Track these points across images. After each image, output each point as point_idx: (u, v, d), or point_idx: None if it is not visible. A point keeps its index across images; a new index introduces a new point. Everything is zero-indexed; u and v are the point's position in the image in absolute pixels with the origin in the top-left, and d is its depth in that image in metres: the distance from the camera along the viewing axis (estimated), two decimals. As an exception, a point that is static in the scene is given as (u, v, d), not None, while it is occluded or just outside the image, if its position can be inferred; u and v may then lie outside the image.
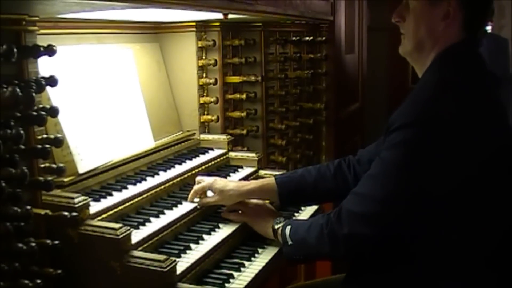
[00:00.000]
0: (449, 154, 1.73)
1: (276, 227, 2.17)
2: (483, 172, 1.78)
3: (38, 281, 1.45)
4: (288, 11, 2.79)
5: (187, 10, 2.04)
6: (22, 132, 1.42)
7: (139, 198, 2.18)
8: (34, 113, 1.63)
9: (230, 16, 2.46)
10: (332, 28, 3.73)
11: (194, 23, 2.87)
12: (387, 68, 5.97)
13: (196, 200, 2.31)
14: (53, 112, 1.75)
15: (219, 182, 2.35)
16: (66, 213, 1.69)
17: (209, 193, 2.35)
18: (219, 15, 2.43)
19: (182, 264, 1.89)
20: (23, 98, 1.34)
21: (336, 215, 1.91)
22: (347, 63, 4.20)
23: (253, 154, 2.90)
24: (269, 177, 2.52)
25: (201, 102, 2.96)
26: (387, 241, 1.85)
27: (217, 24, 2.92)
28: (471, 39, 1.90)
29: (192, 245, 2.04)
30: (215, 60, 2.92)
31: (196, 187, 2.34)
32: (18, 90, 1.35)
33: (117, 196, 2.11)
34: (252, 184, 2.39)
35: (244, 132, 3.12)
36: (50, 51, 1.71)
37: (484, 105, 1.83)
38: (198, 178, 2.41)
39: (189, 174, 2.52)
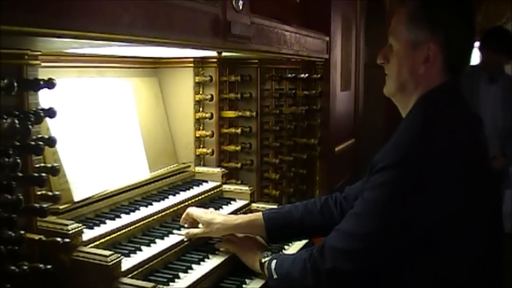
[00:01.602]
0: (431, 194, 1.79)
1: (263, 260, 2.23)
2: (464, 210, 1.83)
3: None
4: (283, 49, 2.89)
5: (182, 48, 2.14)
6: (18, 160, 1.50)
7: (131, 227, 2.24)
8: (32, 142, 1.72)
9: (226, 53, 2.55)
10: (327, 66, 3.83)
11: (192, 59, 2.96)
12: (384, 105, 6.04)
13: (184, 232, 2.36)
14: (51, 142, 1.83)
15: (208, 214, 2.42)
16: (59, 239, 1.76)
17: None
18: (214, 53, 2.53)
19: (170, 292, 1.95)
20: (21, 129, 1.43)
21: (319, 250, 1.98)
22: (342, 99, 4.30)
23: (246, 188, 2.97)
24: (261, 210, 2.58)
25: (197, 135, 3.04)
26: (370, 275, 1.91)
27: (214, 60, 3.01)
28: (452, 81, 1.98)
29: (181, 274, 2.10)
30: (212, 95, 3.01)
31: (184, 216, 2.43)
32: (16, 121, 1.43)
33: (110, 224, 2.18)
34: (240, 218, 2.45)
35: (239, 165, 3.19)
36: (50, 84, 1.81)
37: (466, 146, 1.88)
38: (188, 209, 2.47)
39: (182, 205, 2.58)
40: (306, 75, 3.66)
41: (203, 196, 2.79)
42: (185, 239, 2.33)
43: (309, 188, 3.81)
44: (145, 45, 1.85)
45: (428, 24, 1.93)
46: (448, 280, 1.85)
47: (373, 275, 1.90)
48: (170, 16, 1.83)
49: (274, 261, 2.16)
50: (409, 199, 1.80)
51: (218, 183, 2.96)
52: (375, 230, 1.85)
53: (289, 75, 3.54)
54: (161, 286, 1.83)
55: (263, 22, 2.59)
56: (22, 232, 1.53)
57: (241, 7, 2.30)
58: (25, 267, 1.53)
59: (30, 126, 1.51)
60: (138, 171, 2.62)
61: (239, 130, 3.16)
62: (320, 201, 2.48)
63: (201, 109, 3.05)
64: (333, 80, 3.94)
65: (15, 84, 1.45)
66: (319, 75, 3.75)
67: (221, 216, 2.46)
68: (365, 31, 5.08)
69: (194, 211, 2.44)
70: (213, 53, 2.74)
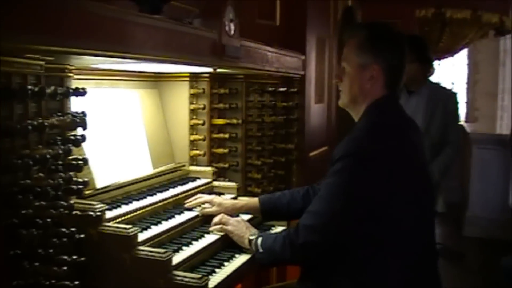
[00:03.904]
0: (373, 179, 2.31)
1: (251, 238, 2.73)
2: (399, 192, 2.35)
3: (75, 256, 1.99)
4: (265, 67, 3.42)
5: (189, 66, 2.63)
6: (71, 148, 1.99)
7: (141, 211, 2.73)
8: (72, 137, 2.21)
9: (221, 69, 3.07)
10: (303, 81, 4.36)
11: (187, 74, 3.48)
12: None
13: (198, 209, 2.99)
14: (83, 138, 2.32)
15: (218, 198, 3.07)
16: (91, 213, 2.24)
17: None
18: (209, 69, 3.04)
19: (176, 258, 2.43)
20: (79, 123, 1.92)
21: (294, 229, 2.50)
22: (316, 111, 4.81)
23: (233, 184, 3.48)
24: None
25: (191, 139, 3.55)
26: (334, 246, 2.41)
27: (207, 75, 3.51)
28: (392, 94, 2.54)
29: (184, 247, 2.58)
30: (204, 105, 3.52)
31: (200, 199, 3.05)
32: (71, 117, 1.93)
33: (124, 208, 2.66)
34: (242, 202, 3.12)
35: (226, 166, 3.70)
36: (83, 92, 2.30)
37: (400, 143, 2.44)
38: (199, 195, 3.11)
39: (180, 196, 3.09)
40: (285, 88, 4.18)
41: (196, 189, 3.27)
42: (200, 214, 2.97)
43: (287, 188, 4.27)
44: (163, 63, 2.36)
45: (373, 51, 2.49)
46: (390, 244, 2.35)
47: (337, 246, 2.40)
48: (181, 41, 2.36)
49: (260, 238, 2.67)
50: (358, 182, 2.33)
51: (209, 180, 3.46)
52: (335, 207, 2.36)
53: (270, 89, 4.05)
54: (170, 251, 2.30)
55: (249, 45, 3.13)
56: (72, 202, 2.00)
57: (232, 32, 2.83)
58: (72, 229, 1.99)
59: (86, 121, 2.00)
60: (144, 167, 3.11)
61: (227, 136, 3.68)
62: (303, 190, 3.07)
63: (195, 117, 3.55)
64: (308, 94, 4.47)
65: (63, 92, 1.94)
66: (295, 89, 4.26)
67: (228, 200, 3.12)
68: (337, 51, 5.60)
69: (206, 196, 3.09)
70: (206, 69, 3.24)
